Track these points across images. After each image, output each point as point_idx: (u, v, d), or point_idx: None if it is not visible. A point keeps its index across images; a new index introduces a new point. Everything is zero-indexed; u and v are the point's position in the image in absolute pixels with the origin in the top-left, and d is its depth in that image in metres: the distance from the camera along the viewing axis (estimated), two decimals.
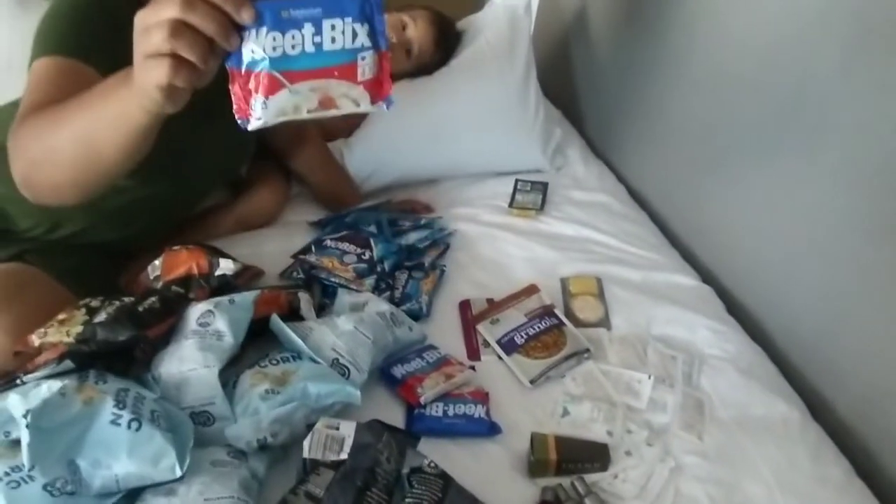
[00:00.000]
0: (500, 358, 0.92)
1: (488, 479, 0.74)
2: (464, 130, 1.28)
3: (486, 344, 0.94)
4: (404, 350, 0.88)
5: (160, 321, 0.73)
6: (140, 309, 0.73)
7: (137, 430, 0.61)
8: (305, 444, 0.67)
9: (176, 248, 0.89)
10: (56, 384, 0.61)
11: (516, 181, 1.28)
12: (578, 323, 0.98)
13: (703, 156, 1.16)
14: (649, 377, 0.88)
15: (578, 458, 0.77)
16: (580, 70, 1.60)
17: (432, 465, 0.68)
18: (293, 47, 0.51)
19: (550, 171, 1.35)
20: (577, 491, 0.73)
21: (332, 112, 0.53)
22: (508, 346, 0.92)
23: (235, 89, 0.52)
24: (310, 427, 0.69)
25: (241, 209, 1.13)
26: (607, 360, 0.93)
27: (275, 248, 1.05)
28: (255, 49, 0.50)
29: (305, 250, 1.01)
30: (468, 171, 1.33)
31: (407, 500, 0.64)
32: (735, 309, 1.07)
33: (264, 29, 0.50)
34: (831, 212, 0.90)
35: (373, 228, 1.05)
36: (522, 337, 0.93)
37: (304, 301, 0.85)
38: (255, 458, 0.69)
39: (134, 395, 0.64)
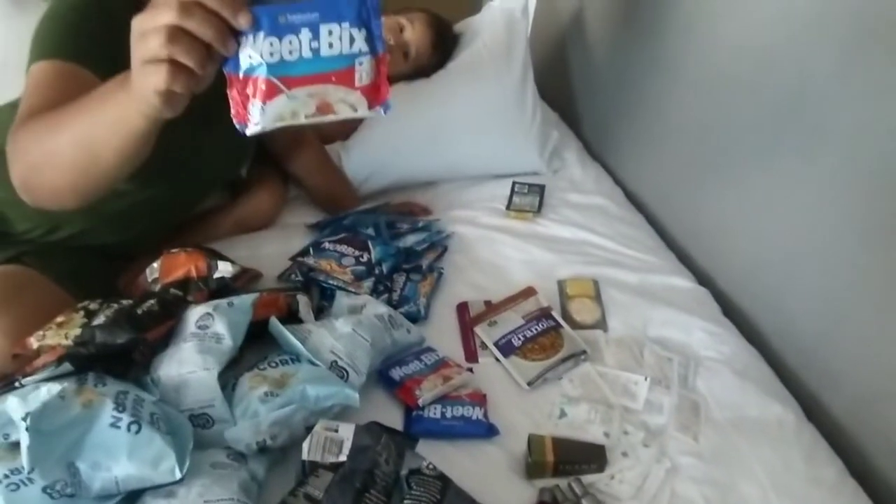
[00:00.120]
0: (497, 360, 0.92)
1: (486, 480, 0.74)
2: (461, 133, 1.28)
3: (484, 346, 0.94)
4: (402, 352, 0.88)
5: (159, 324, 0.74)
6: (139, 311, 0.74)
7: (137, 432, 0.61)
8: (304, 446, 0.67)
9: (174, 250, 0.89)
10: (55, 387, 0.61)
11: (513, 184, 1.28)
12: (575, 325, 0.99)
13: (700, 158, 1.17)
14: (646, 379, 0.89)
15: (575, 459, 0.77)
16: (577, 73, 1.60)
17: (431, 466, 0.69)
18: (290, 53, 0.51)
19: (547, 174, 1.35)
20: (574, 492, 0.74)
21: (330, 117, 0.53)
22: (506, 348, 0.93)
23: (234, 94, 0.52)
24: (309, 429, 0.69)
25: (240, 211, 1.13)
26: (604, 361, 0.93)
27: (273, 250, 1.05)
28: (253, 54, 0.50)
29: (304, 253, 1.01)
30: (466, 173, 1.33)
31: (405, 501, 0.65)
32: (731, 311, 1.08)
33: (262, 34, 0.50)
34: (828, 214, 0.90)
35: (371, 231, 1.06)
36: (520, 339, 0.94)
37: (303, 303, 0.85)
38: (254, 461, 0.69)
39: (133, 398, 0.64)
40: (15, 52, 0.79)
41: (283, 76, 0.51)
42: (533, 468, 0.76)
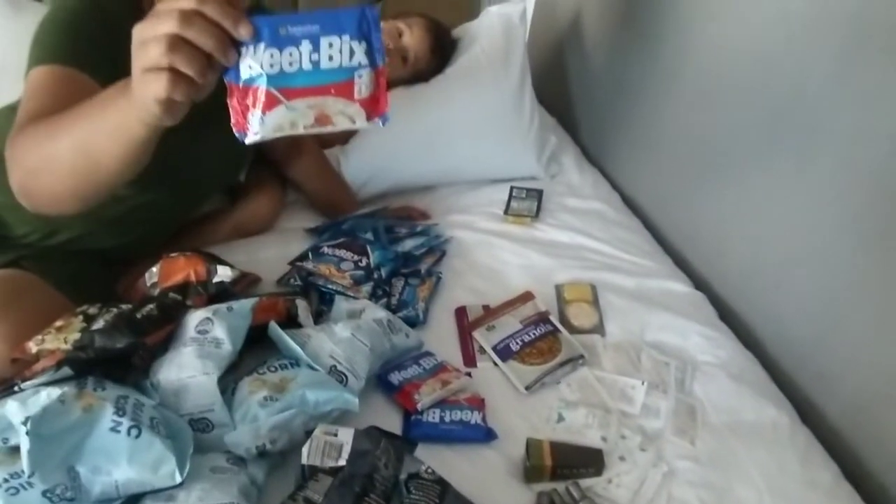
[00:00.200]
0: (495, 364, 0.93)
1: (485, 484, 0.75)
2: (459, 138, 1.29)
3: (482, 350, 0.95)
4: (401, 357, 0.89)
5: (158, 328, 0.74)
6: (138, 316, 0.74)
7: (137, 436, 0.61)
8: (304, 450, 0.67)
9: (174, 254, 0.89)
10: (55, 391, 0.62)
11: (511, 188, 1.29)
12: (573, 329, 0.99)
13: (697, 163, 1.17)
14: (643, 383, 0.89)
15: (573, 463, 0.78)
16: (575, 78, 1.61)
17: (429, 471, 0.69)
18: (290, 64, 0.51)
19: (545, 179, 1.36)
20: (572, 496, 0.74)
21: (329, 128, 0.54)
22: (504, 352, 0.93)
23: (234, 103, 0.52)
24: (308, 434, 0.69)
25: (238, 216, 1.13)
26: (601, 366, 0.94)
27: (272, 254, 1.05)
28: (253, 65, 0.51)
29: (302, 257, 1.01)
30: (464, 178, 1.34)
31: None
32: (727, 315, 1.08)
33: (262, 45, 0.50)
34: (824, 218, 0.91)
35: (369, 235, 1.06)
36: (518, 343, 0.94)
37: (302, 308, 0.85)
38: (254, 465, 0.69)
39: (133, 402, 0.64)
40: (12, 53, 0.79)
41: (283, 87, 0.51)
42: (531, 472, 0.77)
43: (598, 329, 1.00)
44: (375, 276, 0.98)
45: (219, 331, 0.74)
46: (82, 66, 0.72)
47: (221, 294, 0.85)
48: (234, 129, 0.53)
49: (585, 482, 0.76)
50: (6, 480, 0.59)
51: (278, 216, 1.19)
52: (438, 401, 0.82)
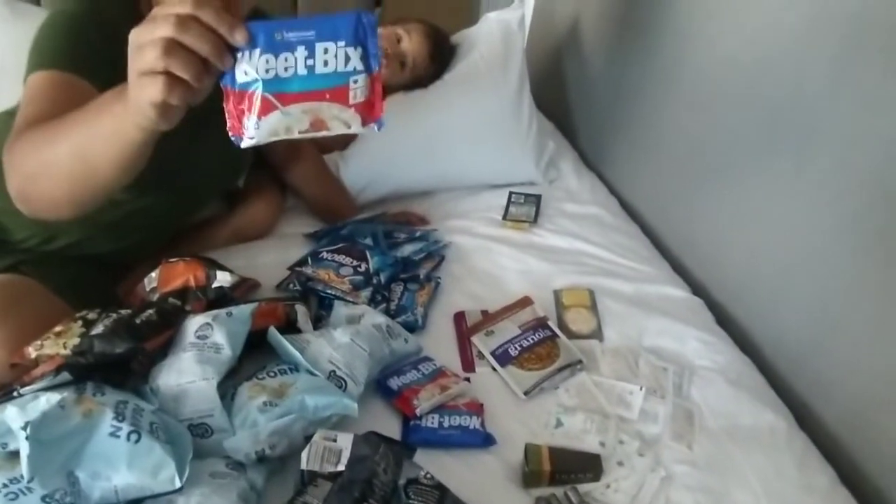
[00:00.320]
0: (494, 369, 0.93)
1: (483, 489, 0.75)
2: (458, 143, 1.29)
3: (481, 355, 0.95)
4: (400, 362, 0.89)
5: (158, 333, 0.74)
6: (137, 321, 0.74)
7: (137, 441, 0.61)
8: (303, 455, 0.68)
9: (173, 260, 0.89)
10: (55, 396, 0.62)
11: (510, 194, 1.29)
12: (571, 335, 1.00)
13: (694, 168, 1.18)
14: (641, 388, 0.89)
15: (571, 468, 0.78)
16: (573, 84, 1.62)
17: (428, 476, 0.69)
18: (286, 70, 0.51)
19: (544, 184, 1.36)
20: (571, 501, 0.74)
21: (323, 133, 0.54)
22: (503, 357, 0.94)
23: (229, 108, 0.53)
24: (307, 439, 0.70)
25: (237, 221, 1.14)
26: (600, 371, 0.94)
27: (271, 260, 1.05)
28: (249, 70, 0.51)
29: (301, 262, 1.01)
30: (462, 183, 1.34)
31: None
32: (725, 321, 1.09)
33: (258, 51, 0.50)
34: (821, 224, 0.91)
35: (368, 241, 1.06)
36: (516, 349, 0.94)
37: (301, 313, 0.86)
38: (253, 470, 0.69)
39: (133, 408, 0.64)
40: (11, 57, 0.79)
41: (278, 93, 0.52)
42: (529, 477, 0.77)
43: (597, 334, 1.01)
44: (374, 281, 0.99)
45: (218, 336, 0.74)
46: (81, 71, 0.72)
47: (221, 299, 0.85)
48: (230, 133, 0.54)
49: (584, 487, 0.77)
50: (5, 485, 0.58)
51: (277, 221, 1.19)
52: (437, 406, 0.82)
